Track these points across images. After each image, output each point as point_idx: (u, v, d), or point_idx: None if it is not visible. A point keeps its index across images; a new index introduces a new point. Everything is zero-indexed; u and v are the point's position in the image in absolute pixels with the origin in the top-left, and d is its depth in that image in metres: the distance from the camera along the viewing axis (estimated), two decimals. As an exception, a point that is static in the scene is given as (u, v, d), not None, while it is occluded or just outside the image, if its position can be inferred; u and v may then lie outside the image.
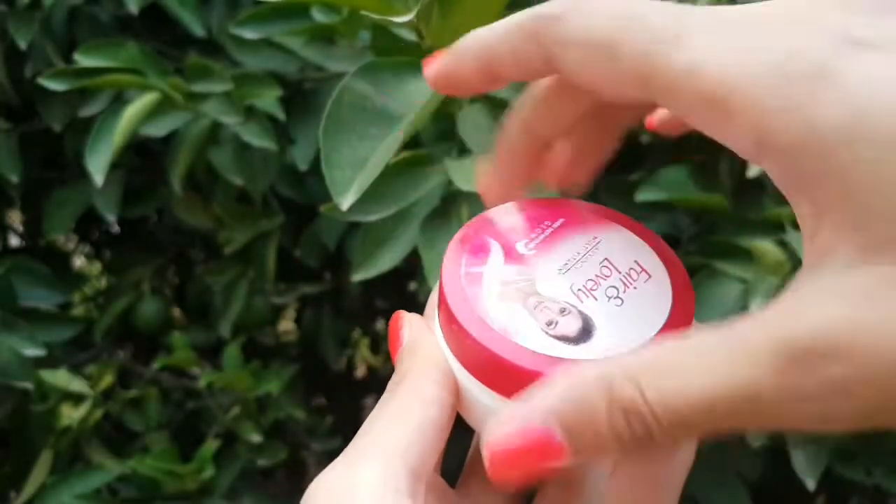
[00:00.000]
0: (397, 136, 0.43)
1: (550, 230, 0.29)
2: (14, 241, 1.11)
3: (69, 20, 0.85)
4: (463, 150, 0.58)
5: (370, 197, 0.45)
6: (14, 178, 0.84)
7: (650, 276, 0.27)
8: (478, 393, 0.26)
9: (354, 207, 0.43)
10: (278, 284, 0.94)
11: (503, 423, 0.22)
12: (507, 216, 0.29)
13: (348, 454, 0.25)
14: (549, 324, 0.25)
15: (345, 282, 0.92)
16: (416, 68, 0.48)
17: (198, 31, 0.80)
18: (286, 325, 1.19)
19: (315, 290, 0.95)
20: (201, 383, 0.89)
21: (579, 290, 0.26)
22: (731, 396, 0.19)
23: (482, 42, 0.26)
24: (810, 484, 0.69)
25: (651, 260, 0.28)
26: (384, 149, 0.44)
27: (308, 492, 0.24)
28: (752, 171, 0.67)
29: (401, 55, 0.48)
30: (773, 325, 0.19)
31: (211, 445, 0.82)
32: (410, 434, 0.25)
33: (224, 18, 0.81)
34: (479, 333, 0.25)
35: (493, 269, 0.27)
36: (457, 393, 0.27)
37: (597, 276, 0.27)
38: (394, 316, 0.30)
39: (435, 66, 0.28)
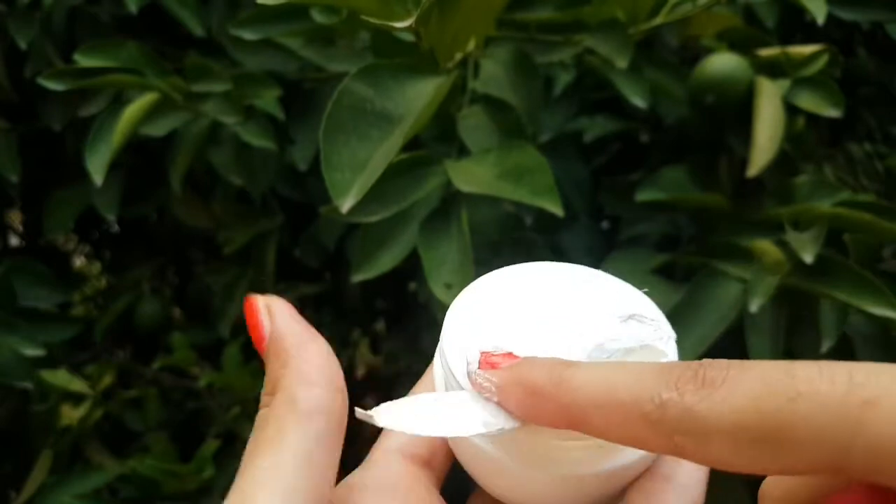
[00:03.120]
0: (397, 138, 0.43)
1: None
2: (14, 240, 1.11)
3: (69, 20, 0.85)
4: (462, 151, 0.58)
5: (370, 198, 0.45)
6: (14, 178, 0.84)
7: None
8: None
9: (354, 208, 0.44)
10: (278, 284, 0.94)
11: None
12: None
13: (234, 497, 0.21)
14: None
15: (345, 282, 0.92)
16: (415, 70, 0.48)
17: (197, 31, 0.80)
18: (286, 324, 1.19)
19: (315, 291, 0.95)
20: (201, 383, 0.89)
21: None
22: None
23: None
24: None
25: None
26: (384, 151, 0.44)
27: None
28: (752, 171, 0.67)
29: (400, 57, 0.48)
30: None
31: (211, 445, 0.82)
32: (296, 465, 0.21)
33: (224, 18, 0.81)
34: None
35: None
36: (345, 390, 0.23)
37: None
38: (246, 301, 0.25)
39: None
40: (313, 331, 0.24)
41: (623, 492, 0.26)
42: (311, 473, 0.22)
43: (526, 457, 0.24)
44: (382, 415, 0.22)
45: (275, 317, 0.24)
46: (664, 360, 0.25)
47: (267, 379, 0.23)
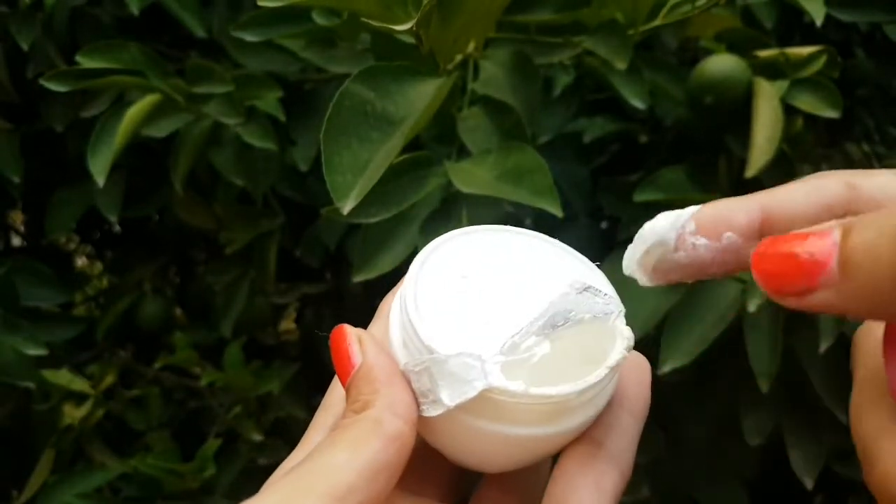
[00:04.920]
0: (398, 140, 0.43)
1: None
2: (16, 241, 1.11)
3: (71, 21, 0.85)
4: (463, 152, 0.58)
5: (371, 199, 0.45)
6: (16, 179, 0.84)
7: None
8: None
9: (355, 209, 0.44)
10: (279, 284, 0.94)
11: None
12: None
13: (288, 486, 0.23)
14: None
15: (345, 282, 0.92)
16: (415, 72, 0.48)
17: (199, 32, 0.80)
18: (287, 324, 1.19)
19: (316, 290, 0.96)
20: (202, 383, 0.90)
21: None
22: None
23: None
24: (808, 483, 0.69)
25: None
26: (385, 153, 0.44)
27: None
28: (750, 172, 0.67)
29: (400, 59, 0.48)
30: None
31: (212, 444, 0.83)
32: (360, 474, 0.23)
33: (225, 20, 0.81)
34: None
35: None
36: (417, 427, 0.25)
37: None
38: (336, 331, 0.27)
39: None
40: (397, 366, 0.26)
41: (555, 455, 0.27)
42: (373, 487, 0.23)
43: (489, 415, 0.25)
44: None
45: (367, 348, 0.26)
46: (615, 333, 0.26)
47: (353, 398, 0.26)
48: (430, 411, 0.25)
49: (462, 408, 0.25)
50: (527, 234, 0.30)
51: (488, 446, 0.26)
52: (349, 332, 0.27)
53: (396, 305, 0.27)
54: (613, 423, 0.27)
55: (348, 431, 0.24)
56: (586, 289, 0.27)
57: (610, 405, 0.27)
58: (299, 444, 0.28)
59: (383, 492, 0.24)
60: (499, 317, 0.26)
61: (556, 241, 0.30)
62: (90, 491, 0.81)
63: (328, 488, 0.22)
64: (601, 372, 0.25)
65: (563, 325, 0.26)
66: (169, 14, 0.80)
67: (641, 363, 0.29)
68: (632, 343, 0.26)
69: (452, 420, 0.25)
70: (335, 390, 0.30)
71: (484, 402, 0.24)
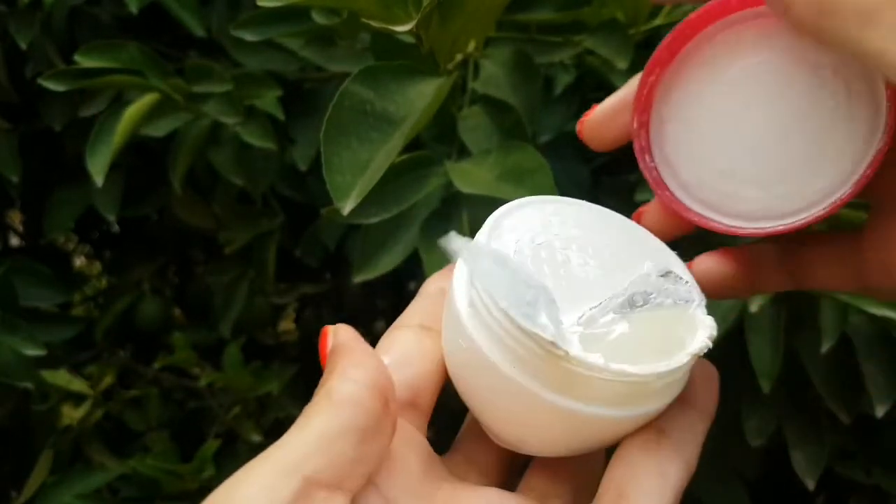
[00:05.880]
0: (398, 140, 0.43)
1: None
2: (14, 241, 1.11)
3: (69, 20, 0.85)
4: (463, 151, 0.58)
5: (371, 199, 0.45)
6: (14, 178, 0.84)
7: None
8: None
9: (355, 209, 0.43)
10: (278, 284, 0.94)
11: None
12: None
13: (244, 468, 0.23)
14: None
15: (345, 282, 0.92)
16: (415, 72, 0.48)
17: (198, 31, 0.79)
18: (286, 325, 1.19)
19: (315, 290, 0.95)
20: (202, 383, 0.89)
21: None
22: None
23: None
24: (810, 484, 0.69)
25: None
26: (385, 153, 0.44)
27: None
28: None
29: (400, 59, 0.48)
30: None
31: (211, 445, 0.82)
32: (311, 444, 0.22)
33: (224, 19, 0.81)
34: None
35: None
36: (390, 392, 0.24)
37: None
38: (322, 332, 0.27)
39: None
40: (369, 347, 0.26)
41: (616, 442, 0.26)
42: (328, 459, 0.22)
43: (561, 388, 0.24)
44: None
45: (337, 335, 0.26)
46: (695, 322, 0.25)
47: (320, 384, 0.25)
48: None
49: (535, 378, 0.23)
50: (602, 210, 0.29)
51: (554, 425, 0.25)
52: (328, 328, 0.27)
53: (459, 273, 0.26)
54: (679, 416, 0.26)
55: (304, 412, 0.24)
56: (668, 273, 0.26)
57: (677, 401, 0.26)
58: None
59: (351, 456, 0.23)
60: (575, 288, 0.25)
61: (632, 222, 0.29)
62: (89, 492, 0.81)
63: (279, 459, 0.22)
64: (682, 357, 0.24)
65: (641, 306, 0.25)
66: (168, 13, 0.80)
67: (708, 366, 0.28)
68: (714, 333, 0.25)
69: (521, 392, 0.24)
70: None
71: (558, 371, 0.23)
